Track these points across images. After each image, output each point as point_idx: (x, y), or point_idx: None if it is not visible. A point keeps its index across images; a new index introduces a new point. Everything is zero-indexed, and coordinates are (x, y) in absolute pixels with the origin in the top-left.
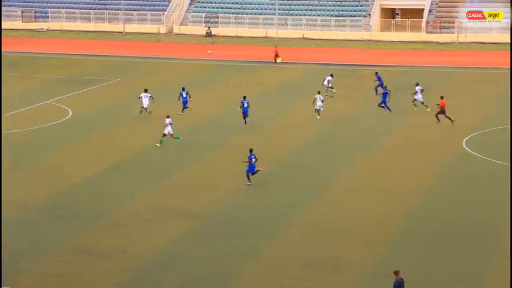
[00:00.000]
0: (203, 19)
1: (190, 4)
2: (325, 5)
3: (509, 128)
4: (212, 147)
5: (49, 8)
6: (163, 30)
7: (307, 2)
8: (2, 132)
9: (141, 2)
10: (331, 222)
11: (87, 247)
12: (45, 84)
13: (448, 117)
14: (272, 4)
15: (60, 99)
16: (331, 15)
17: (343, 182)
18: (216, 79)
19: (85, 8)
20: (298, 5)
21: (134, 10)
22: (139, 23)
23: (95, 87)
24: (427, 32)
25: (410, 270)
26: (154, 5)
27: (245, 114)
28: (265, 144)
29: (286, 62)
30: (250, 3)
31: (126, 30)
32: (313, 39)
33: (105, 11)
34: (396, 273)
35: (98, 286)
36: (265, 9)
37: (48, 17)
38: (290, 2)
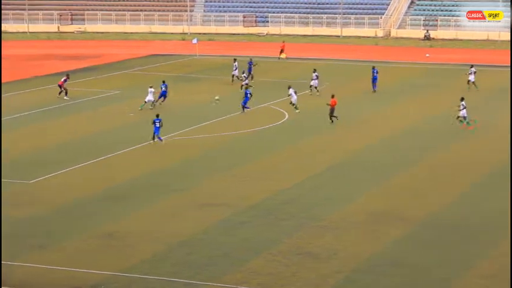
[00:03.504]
0: (422, 22)
1: (409, 7)
2: None
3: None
4: (428, 151)
5: (269, 13)
6: (380, 33)
7: None
8: (219, 134)
9: (359, 6)
10: None
11: (301, 248)
12: (263, 87)
13: (334, 117)
14: (496, 6)
15: (277, 102)
16: None
17: None
18: (431, 83)
19: (304, 13)
20: None
21: (352, 14)
22: (357, 27)
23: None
24: None
25: None
26: (372, 9)
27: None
28: (484, 149)
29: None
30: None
31: (343, 34)
32: None
33: (323, 15)
34: None
35: (310, 287)
36: None
37: (268, 21)
38: None
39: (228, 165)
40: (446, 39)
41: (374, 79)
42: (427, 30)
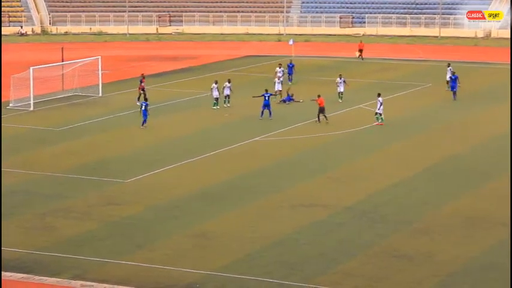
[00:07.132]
0: None
1: (511, 7)
2: None
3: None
4: None
5: (366, 13)
6: (480, 34)
7: None
8: (311, 135)
9: (458, 6)
10: None
11: (395, 251)
12: (357, 88)
13: (324, 116)
14: None
15: (372, 104)
16: None
17: None
18: None
19: (401, 13)
20: None
21: (451, 14)
22: (456, 27)
23: (407, 92)
24: None
25: None
26: (472, 9)
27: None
28: None
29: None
30: None
31: (441, 35)
32: None
33: (421, 15)
34: None
35: None
36: None
37: (364, 22)
38: None
39: (322, 167)
40: None
41: (452, 85)
42: None
